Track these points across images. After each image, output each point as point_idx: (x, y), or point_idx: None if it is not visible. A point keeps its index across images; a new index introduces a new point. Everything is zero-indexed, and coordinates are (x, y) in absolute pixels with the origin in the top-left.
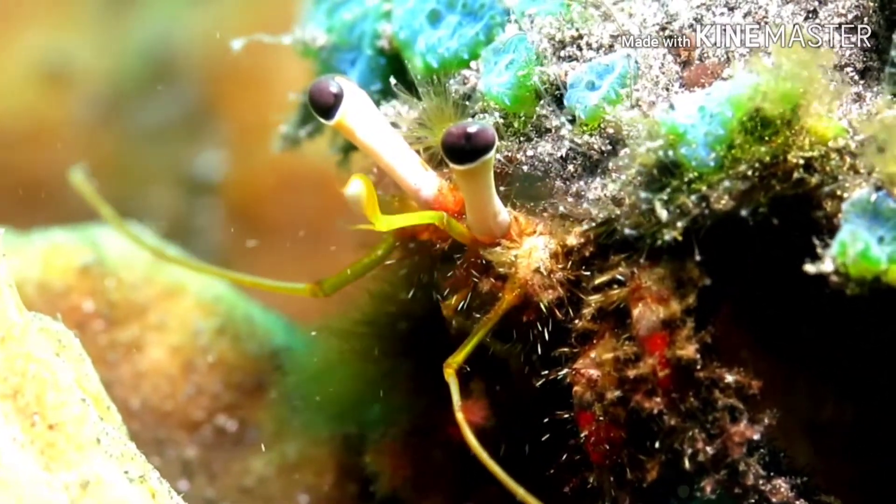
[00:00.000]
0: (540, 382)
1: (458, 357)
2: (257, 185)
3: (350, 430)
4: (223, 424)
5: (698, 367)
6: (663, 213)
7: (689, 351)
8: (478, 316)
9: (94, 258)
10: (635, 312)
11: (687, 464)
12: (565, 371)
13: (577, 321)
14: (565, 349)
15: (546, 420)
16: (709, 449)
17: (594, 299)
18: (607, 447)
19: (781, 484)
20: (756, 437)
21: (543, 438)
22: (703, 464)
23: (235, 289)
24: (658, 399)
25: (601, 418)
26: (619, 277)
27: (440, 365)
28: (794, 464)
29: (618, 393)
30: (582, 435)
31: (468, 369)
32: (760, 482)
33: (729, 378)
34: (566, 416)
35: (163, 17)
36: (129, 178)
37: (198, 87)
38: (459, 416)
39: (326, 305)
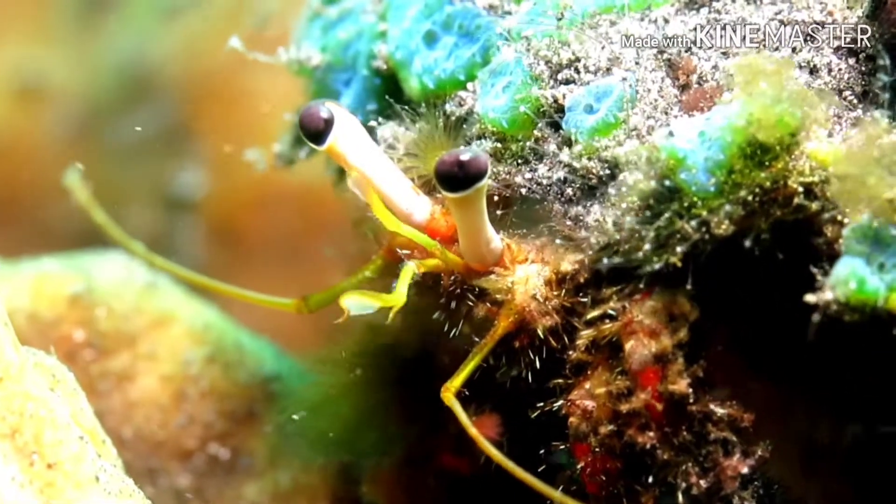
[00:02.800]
0: (535, 414)
1: (456, 381)
2: (237, 203)
3: (344, 459)
4: (216, 453)
5: (691, 400)
6: (663, 239)
7: (682, 385)
8: (476, 339)
9: (83, 287)
10: (627, 347)
11: (681, 498)
12: (560, 402)
13: (571, 352)
14: (559, 380)
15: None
16: (703, 483)
17: (587, 334)
18: (603, 478)
19: None
20: (748, 470)
21: (539, 469)
22: (697, 497)
23: (225, 316)
24: (651, 433)
25: (597, 449)
26: (611, 312)
27: (433, 394)
28: (788, 496)
29: (612, 427)
30: (578, 466)
31: (467, 393)
32: None
33: (721, 411)
34: (562, 446)
35: (139, 33)
36: (106, 196)
37: (175, 104)
38: (473, 431)
39: (315, 332)
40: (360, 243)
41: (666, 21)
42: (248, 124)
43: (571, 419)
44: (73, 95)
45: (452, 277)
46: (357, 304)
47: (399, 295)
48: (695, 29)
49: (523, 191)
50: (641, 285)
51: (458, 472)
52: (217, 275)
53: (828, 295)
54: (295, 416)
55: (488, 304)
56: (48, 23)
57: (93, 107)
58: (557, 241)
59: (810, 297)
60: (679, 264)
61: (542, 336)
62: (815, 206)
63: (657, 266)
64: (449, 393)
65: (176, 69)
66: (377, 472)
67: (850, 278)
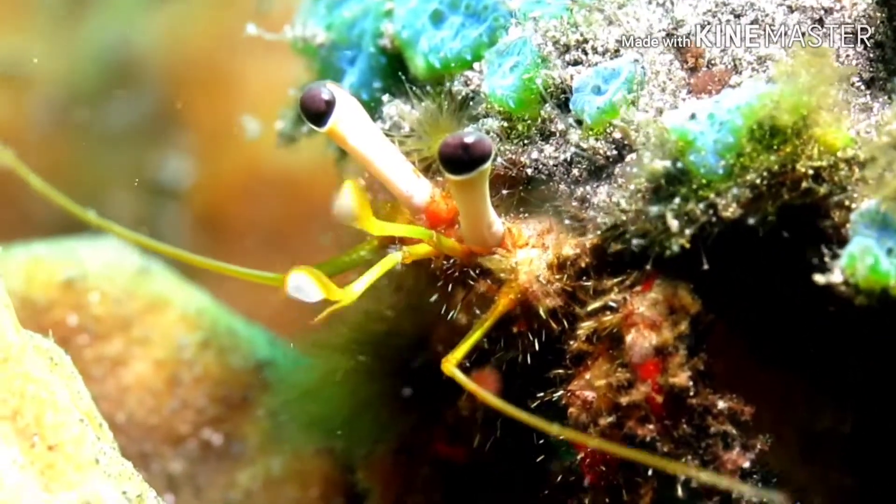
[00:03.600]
0: (535, 404)
1: (457, 353)
2: (223, 191)
3: (336, 445)
4: (208, 438)
5: (691, 393)
6: (673, 222)
7: (682, 378)
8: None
9: (77, 272)
10: (628, 339)
11: (680, 490)
12: (560, 392)
13: (571, 342)
14: (559, 370)
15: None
16: (702, 475)
17: (587, 325)
18: (603, 469)
19: None
20: (749, 464)
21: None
22: (696, 490)
23: (218, 302)
24: (651, 426)
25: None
26: (612, 304)
27: (428, 383)
28: (786, 486)
29: (611, 419)
30: (578, 457)
31: (468, 364)
32: None
33: (721, 405)
34: (561, 437)
35: (124, 20)
36: (88, 184)
37: (160, 91)
38: (474, 386)
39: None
40: (355, 230)
41: (673, 4)
42: (235, 111)
43: (571, 409)
44: (57, 83)
45: (450, 261)
46: (301, 286)
47: (351, 292)
48: (704, 13)
49: (529, 171)
50: (648, 266)
51: (453, 461)
52: (199, 274)
53: (837, 277)
54: (287, 400)
55: (489, 282)
56: (31, 10)
57: (76, 93)
58: (564, 221)
59: (819, 278)
60: (687, 246)
61: (543, 317)
62: (823, 189)
63: (676, 248)
64: (449, 364)
65: (162, 56)
66: (372, 458)
67: (865, 255)
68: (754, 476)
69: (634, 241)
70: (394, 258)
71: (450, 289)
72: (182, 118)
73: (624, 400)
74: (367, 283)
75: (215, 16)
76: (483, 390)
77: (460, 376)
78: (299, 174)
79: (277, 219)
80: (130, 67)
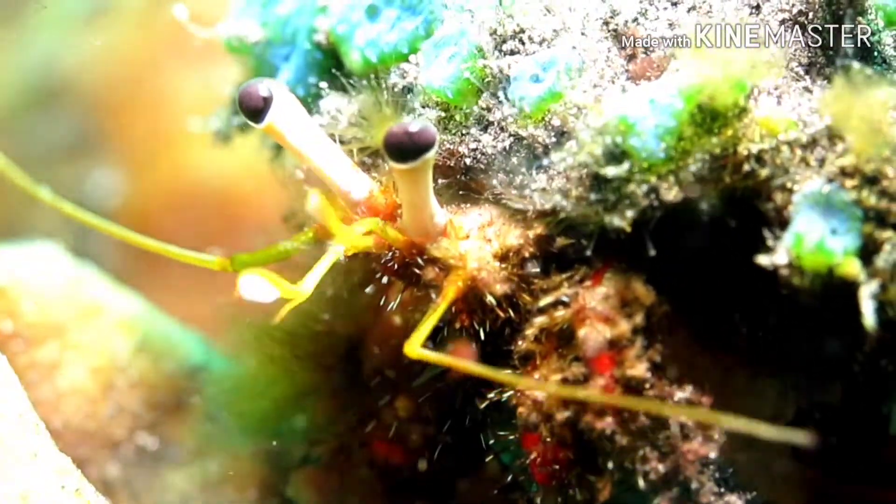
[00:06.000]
0: (484, 405)
1: (417, 337)
2: (152, 205)
3: (272, 446)
4: (144, 442)
5: (648, 385)
6: (611, 204)
7: (640, 370)
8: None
9: (10, 278)
10: (581, 333)
11: (640, 482)
12: (510, 393)
13: (520, 342)
14: (507, 370)
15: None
16: (661, 467)
17: (539, 322)
18: (555, 468)
19: (734, 500)
20: (713, 454)
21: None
22: (655, 482)
23: (152, 307)
24: (609, 419)
25: (548, 439)
26: (564, 299)
27: (364, 381)
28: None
29: (567, 413)
30: (529, 457)
31: (432, 345)
32: (713, 499)
33: (680, 395)
34: (510, 437)
35: (53, 39)
36: (14, 202)
37: (89, 110)
38: (450, 360)
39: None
40: (291, 236)
41: None
42: (161, 130)
43: (520, 409)
44: None
45: (389, 253)
46: (254, 286)
47: (305, 288)
48: (641, 1)
49: (468, 160)
50: (589, 252)
51: (391, 461)
52: (133, 280)
53: (781, 257)
54: (222, 399)
55: (437, 269)
56: None
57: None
58: (502, 210)
59: (763, 259)
60: (628, 229)
61: (493, 304)
62: (765, 172)
63: (616, 223)
64: (412, 346)
65: (91, 76)
66: (304, 471)
67: (811, 231)
68: (713, 466)
69: (574, 223)
70: (336, 252)
71: (387, 280)
72: (109, 135)
73: (581, 394)
74: (317, 277)
75: (147, 35)
76: (458, 359)
77: (429, 354)
78: (227, 183)
79: (208, 229)
80: (59, 88)
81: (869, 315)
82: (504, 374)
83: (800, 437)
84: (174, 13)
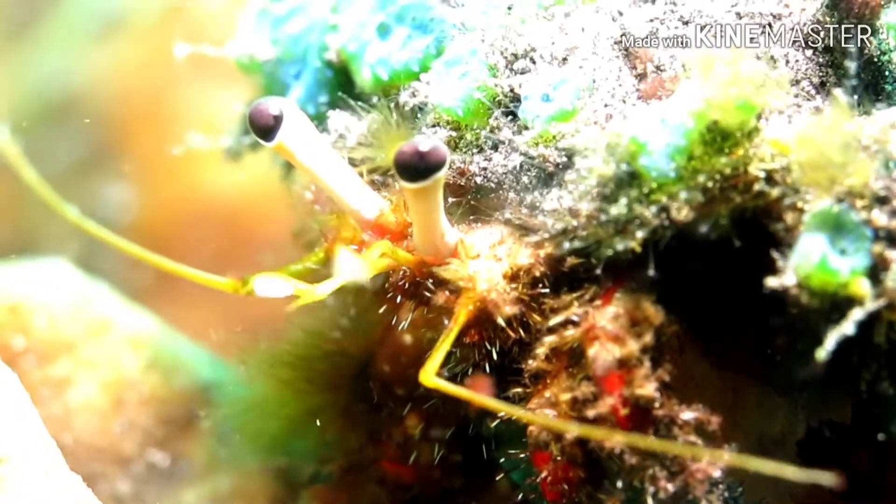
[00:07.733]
0: (494, 423)
1: (431, 365)
2: (165, 222)
3: (282, 463)
4: (155, 459)
5: (657, 404)
6: (622, 225)
7: (648, 390)
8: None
9: (22, 294)
10: (590, 352)
11: (650, 502)
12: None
13: (530, 361)
14: (518, 389)
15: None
16: (670, 486)
17: (549, 341)
18: (565, 487)
19: None
20: (720, 474)
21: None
22: (664, 501)
23: (163, 324)
24: (619, 438)
25: (558, 458)
26: (574, 318)
27: (374, 399)
28: (751, 497)
29: (576, 434)
30: (540, 476)
31: (447, 375)
32: None
33: (687, 415)
34: (521, 455)
35: (65, 56)
36: (27, 219)
37: (100, 126)
38: (466, 393)
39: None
40: (301, 253)
41: (621, 13)
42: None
43: (531, 428)
44: None
45: (401, 272)
46: (268, 283)
47: (319, 290)
48: (652, 20)
49: (478, 179)
50: (599, 271)
51: (401, 479)
52: (145, 296)
53: (790, 279)
54: (232, 416)
55: (447, 293)
56: None
57: (14, 129)
58: (512, 229)
59: (772, 281)
60: (638, 249)
61: (502, 325)
62: (775, 192)
63: (619, 247)
64: (428, 375)
65: (102, 92)
66: (314, 488)
67: (814, 251)
68: (721, 485)
69: (583, 245)
70: (382, 243)
71: (399, 300)
72: (123, 152)
73: (590, 413)
74: (333, 287)
75: (156, 50)
76: (474, 393)
77: (444, 384)
78: (239, 200)
79: (220, 246)
80: (73, 103)
81: (829, 344)
82: (522, 411)
83: (827, 479)
84: (175, 53)
